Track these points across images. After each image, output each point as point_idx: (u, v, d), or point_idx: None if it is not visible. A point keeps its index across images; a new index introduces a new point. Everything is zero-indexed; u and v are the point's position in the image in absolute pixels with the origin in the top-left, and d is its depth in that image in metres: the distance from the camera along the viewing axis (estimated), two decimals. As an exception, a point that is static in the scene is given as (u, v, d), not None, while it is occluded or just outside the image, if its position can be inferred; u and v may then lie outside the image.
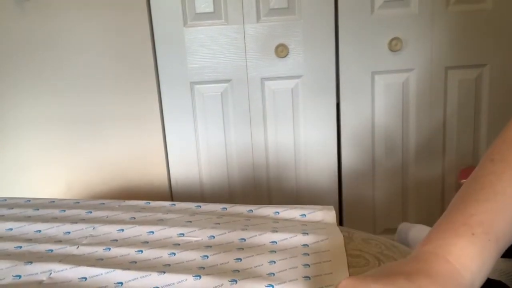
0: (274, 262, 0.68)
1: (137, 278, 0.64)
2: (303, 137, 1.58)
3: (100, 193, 1.61)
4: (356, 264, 0.67)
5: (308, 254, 0.70)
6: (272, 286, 0.62)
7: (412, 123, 1.57)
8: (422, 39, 1.49)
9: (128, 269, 0.66)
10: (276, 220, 0.85)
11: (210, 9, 1.48)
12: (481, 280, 0.45)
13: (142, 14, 1.48)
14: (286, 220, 0.86)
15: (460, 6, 1.47)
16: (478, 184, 0.49)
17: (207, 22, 1.49)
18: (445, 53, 1.51)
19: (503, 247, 0.46)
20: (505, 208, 0.47)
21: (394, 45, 1.49)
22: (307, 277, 0.64)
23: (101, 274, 0.65)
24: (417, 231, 0.94)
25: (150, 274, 0.64)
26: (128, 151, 1.58)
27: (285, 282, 0.63)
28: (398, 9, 1.48)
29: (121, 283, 0.64)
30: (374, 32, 1.49)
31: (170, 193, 1.63)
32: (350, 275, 0.65)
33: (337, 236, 0.75)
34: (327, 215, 0.85)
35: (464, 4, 1.47)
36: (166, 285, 0.62)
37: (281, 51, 1.50)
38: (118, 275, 0.65)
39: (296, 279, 0.63)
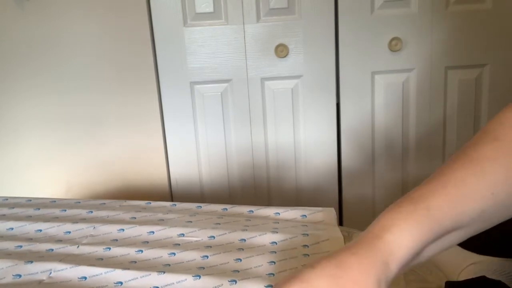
0: (274, 262, 0.68)
1: (137, 278, 0.64)
2: (303, 137, 1.58)
3: (100, 193, 1.61)
4: (356, 264, 0.67)
5: (308, 255, 0.70)
6: (272, 286, 0.62)
7: (412, 123, 1.57)
8: (422, 39, 1.49)
9: (128, 268, 0.66)
10: (277, 221, 0.85)
11: (210, 9, 1.48)
12: (412, 242, 0.45)
13: (142, 14, 1.48)
14: (286, 220, 0.86)
15: (460, 6, 1.47)
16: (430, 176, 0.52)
17: (207, 22, 1.50)
18: (445, 53, 1.51)
19: (444, 219, 0.47)
20: (444, 186, 0.48)
21: (394, 45, 1.49)
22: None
23: (101, 273, 0.65)
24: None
25: (150, 274, 0.64)
26: (128, 151, 1.58)
27: (285, 282, 0.63)
28: (398, 9, 1.48)
29: (121, 282, 0.64)
30: (374, 32, 1.49)
31: (170, 193, 1.63)
32: None
33: (337, 237, 0.75)
34: (328, 216, 0.85)
35: (464, 4, 1.47)
36: (166, 285, 0.62)
37: (281, 51, 1.50)
38: (118, 274, 0.65)
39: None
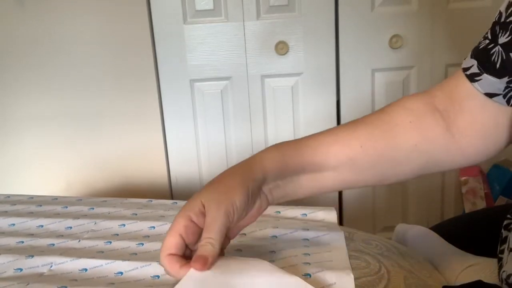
0: (274, 252, 0.68)
1: (137, 268, 0.64)
2: (303, 134, 1.58)
3: (100, 191, 1.61)
4: (357, 266, 0.67)
5: (308, 246, 0.70)
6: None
7: (412, 121, 1.57)
8: (423, 37, 1.49)
9: (129, 260, 0.66)
10: (277, 218, 0.86)
11: (210, 6, 1.48)
12: (275, 158, 0.58)
13: (141, 12, 1.48)
14: (287, 218, 0.86)
15: (461, 3, 1.48)
16: None
17: (207, 19, 1.50)
18: (446, 51, 1.51)
19: (310, 153, 0.60)
20: (322, 134, 0.62)
21: (395, 42, 1.49)
22: (307, 275, 0.64)
23: (102, 265, 0.66)
24: (415, 232, 0.95)
25: (150, 264, 0.64)
26: (128, 149, 1.59)
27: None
28: (399, 6, 1.48)
29: (121, 272, 0.64)
30: (374, 29, 1.49)
31: (170, 191, 1.63)
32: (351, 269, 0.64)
33: (337, 231, 0.76)
34: (328, 215, 0.85)
35: (464, 1, 1.47)
36: (166, 274, 0.62)
37: (281, 48, 1.50)
38: (119, 265, 0.65)
39: (295, 276, 0.63)
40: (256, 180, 0.56)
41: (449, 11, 1.48)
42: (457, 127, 0.59)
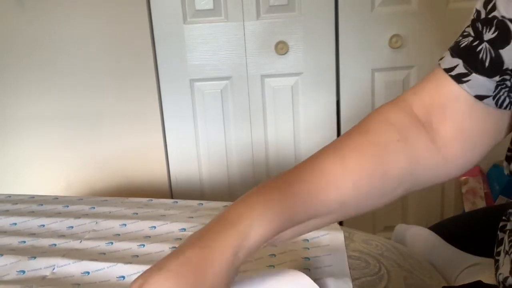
0: (274, 255, 0.69)
1: (139, 272, 0.64)
2: (303, 134, 1.59)
3: (99, 190, 1.61)
4: (357, 266, 0.67)
5: (308, 249, 0.70)
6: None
7: (412, 120, 1.57)
8: (423, 36, 1.50)
9: (130, 263, 0.66)
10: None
11: (210, 6, 1.48)
12: (265, 231, 0.46)
13: (141, 11, 1.48)
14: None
15: (460, 3, 1.48)
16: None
17: (207, 19, 1.50)
18: (446, 51, 1.51)
19: (302, 210, 0.49)
20: (310, 174, 0.51)
21: (395, 42, 1.49)
22: (307, 269, 0.64)
23: (104, 268, 0.66)
24: (414, 232, 0.95)
25: None
26: (128, 148, 1.59)
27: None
28: (399, 6, 1.48)
29: (123, 277, 0.64)
30: (374, 29, 1.49)
31: (170, 191, 1.63)
32: (350, 275, 0.65)
33: (337, 231, 0.76)
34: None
35: (464, 1, 1.47)
36: None
37: (281, 48, 1.50)
38: (120, 269, 0.65)
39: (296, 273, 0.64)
40: (239, 264, 0.45)
41: (449, 11, 1.48)
42: (442, 137, 0.53)
